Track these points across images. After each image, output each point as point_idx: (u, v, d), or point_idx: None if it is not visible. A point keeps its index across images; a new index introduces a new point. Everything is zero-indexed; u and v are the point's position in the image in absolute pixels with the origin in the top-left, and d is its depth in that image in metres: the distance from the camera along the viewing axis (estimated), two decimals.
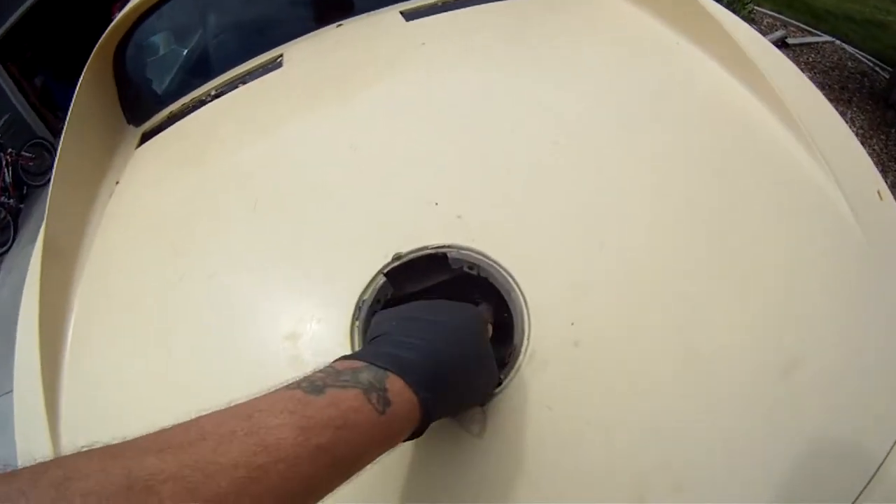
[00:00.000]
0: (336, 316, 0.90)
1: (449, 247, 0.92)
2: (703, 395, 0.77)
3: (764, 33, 5.89)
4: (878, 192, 0.99)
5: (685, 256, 0.89)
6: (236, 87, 1.81)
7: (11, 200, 8.54)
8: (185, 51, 2.41)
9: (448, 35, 1.60)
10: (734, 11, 5.17)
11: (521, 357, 0.82)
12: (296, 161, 1.29)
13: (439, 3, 1.80)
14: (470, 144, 1.13)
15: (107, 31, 2.00)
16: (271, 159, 1.35)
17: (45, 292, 1.30)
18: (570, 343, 0.81)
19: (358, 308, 0.89)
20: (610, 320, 0.84)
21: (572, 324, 0.83)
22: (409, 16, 1.74)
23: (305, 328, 0.92)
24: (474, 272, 0.90)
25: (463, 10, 1.70)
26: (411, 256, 0.92)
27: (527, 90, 1.26)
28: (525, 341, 0.83)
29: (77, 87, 1.83)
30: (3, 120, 10.02)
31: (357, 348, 0.85)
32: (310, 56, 1.80)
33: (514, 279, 0.87)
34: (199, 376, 0.98)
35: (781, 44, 6.01)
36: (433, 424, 0.65)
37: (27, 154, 9.04)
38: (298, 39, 1.94)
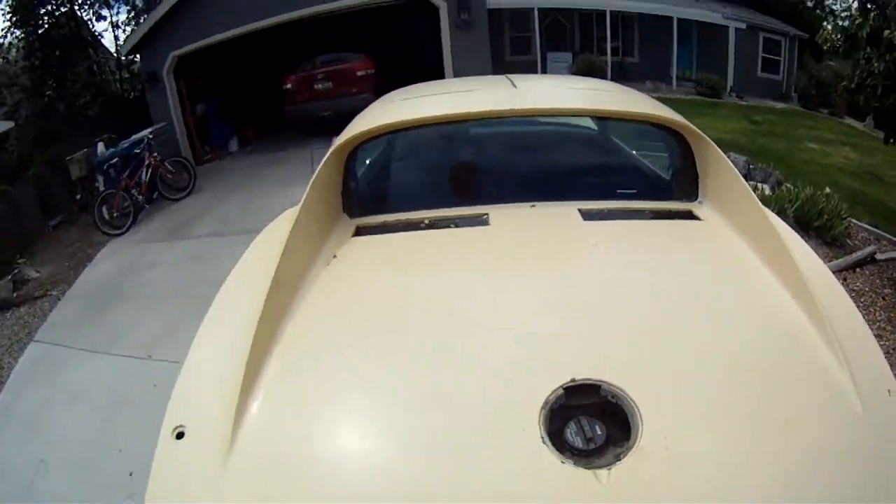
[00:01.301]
0: (529, 411, 1.29)
1: (602, 381, 1.34)
2: None
3: (856, 248, 6.18)
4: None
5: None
6: (449, 226, 2.24)
7: (141, 197, 9.42)
8: (392, 170, 2.99)
9: (612, 241, 2.12)
10: (831, 226, 5.78)
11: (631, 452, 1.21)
12: (493, 304, 1.73)
13: (605, 211, 2.30)
14: (618, 320, 1.64)
15: (348, 136, 2.44)
16: (472, 297, 1.79)
17: (264, 320, 1.59)
18: (662, 448, 1.22)
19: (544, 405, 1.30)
20: (696, 442, 1.25)
21: (666, 441, 1.23)
22: (586, 216, 2.19)
23: (503, 419, 1.32)
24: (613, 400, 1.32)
25: (623, 222, 2.24)
26: (581, 381, 1.33)
27: (658, 288, 1.81)
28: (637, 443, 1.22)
29: (318, 169, 2.35)
30: (159, 126, 11.18)
31: (543, 434, 1.24)
32: (512, 226, 2.23)
33: (638, 409, 1.28)
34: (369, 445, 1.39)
35: (870, 259, 5.98)
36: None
37: (169, 166, 9.99)
38: (500, 206, 2.34)
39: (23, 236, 10.32)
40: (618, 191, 2.59)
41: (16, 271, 8.66)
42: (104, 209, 9.07)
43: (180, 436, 1.40)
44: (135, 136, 10.17)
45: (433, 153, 3.15)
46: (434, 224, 2.26)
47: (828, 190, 6.70)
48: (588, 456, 1.20)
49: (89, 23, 14.65)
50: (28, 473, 4.32)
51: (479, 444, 1.27)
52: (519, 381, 1.40)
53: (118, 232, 9.02)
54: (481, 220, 2.23)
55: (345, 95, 11.51)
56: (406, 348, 1.59)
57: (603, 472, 1.16)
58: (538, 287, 1.84)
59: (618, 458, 1.19)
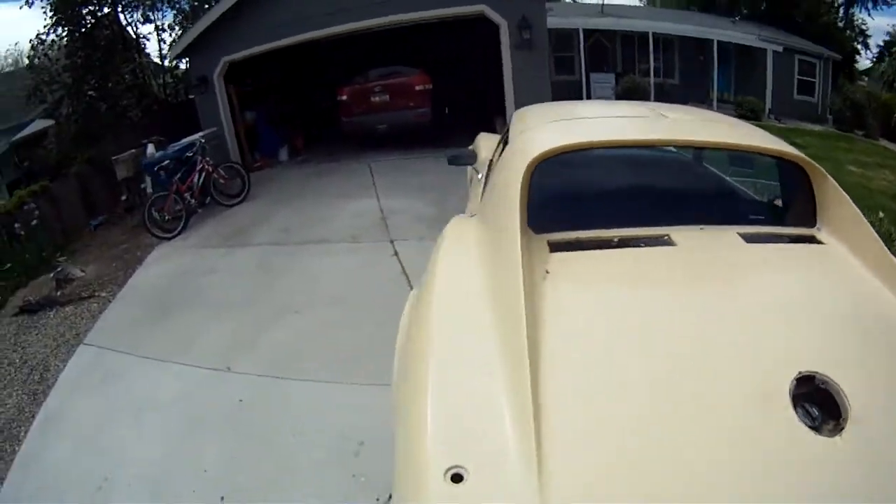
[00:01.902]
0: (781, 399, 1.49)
1: (817, 373, 1.54)
2: None
3: None
4: None
5: None
6: (639, 245, 2.30)
7: (193, 201, 9.10)
8: (565, 188, 2.95)
9: (776, 260, 2.29)
10: None
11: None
12: (718, 317, 1.86)
13: (758, 234, 2.41)
14: (817, 324, 1.86)
15: (540, 152, 2.46)
16: (698, 311, 1.91)
17: (522, 346, 1.60)
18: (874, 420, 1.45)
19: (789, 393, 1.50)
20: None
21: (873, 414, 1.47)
22: (746, 238, 2.31)
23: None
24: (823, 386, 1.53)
25: (773, 245, 2.39)
26: (809, 373, 1.55)
27: (830, 298, 2.05)
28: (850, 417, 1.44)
29: (507, 183, 2.45)
30: (210, 131, 10.87)
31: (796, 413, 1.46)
32: (694, 246, 2.31)
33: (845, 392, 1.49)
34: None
35: None
36: None
37: (223, 171, 9.68)
38: (674, 228, 2.39)
39: (65, 234, 10.09)
40: (750, 216, 2.89)
41: (59, 269, 8.34)
42: (154, 211, 8.79)
43: (457, 478, 1.33)
44: (186, 140, 9.93)
45: (601, 173, 3.30)
46: (624, 242, 2.33)
47: (881, 214, 6.59)
48: (819, 429, 1.44)
49: (134, 26, 14.63)
50: (88, 492, 3.92)
51: (756, 428, 1.45)
52: (764, 378, 1.57)
53: (169, 235, 8.72)
54: (665, 241, 2.31)
55: (402, 109, 11.28)
56: (664, 361, 1.67)
57: (837, 439, 1.41)
58: (744, 301, 2.00)
59: (840, 429, 1.43)
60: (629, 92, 16.06)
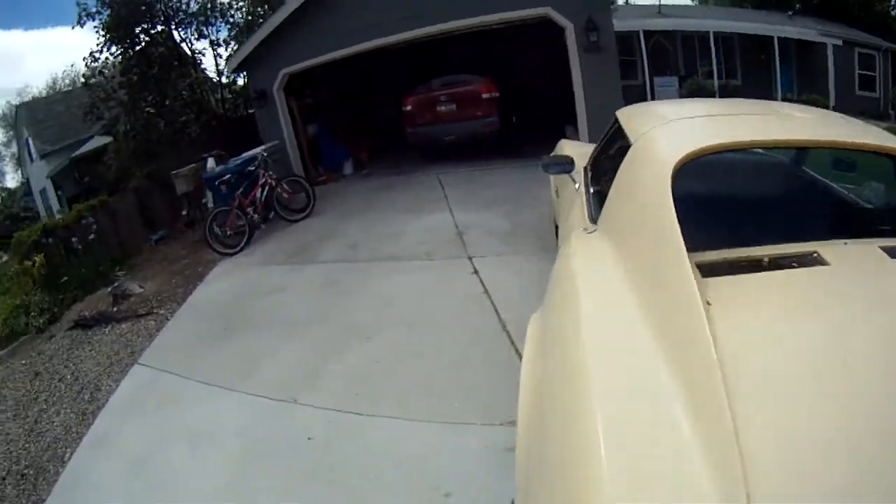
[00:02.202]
0: None
1: None
2: None
3: None
4: None
5: None
6: (792, 265, 2.01)
7: (256, 216, 8.68)
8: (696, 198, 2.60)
9: None
10: None
11: None
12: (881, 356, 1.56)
13: None
14: None
15: (681, 156, 2.22)
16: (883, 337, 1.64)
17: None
18: None
19: None
20: None
21: None
22: (890, 253, 2.00)
23: None
24: None
25: None
26: None
27: None
28: None
29: (640, 192, 2.40)
30: (271, 144, 10.51)
31: None
32: (847, 265, 2.02)
33: None
34: None
35: None
36: None
37: (286, 186, 9.25)
38: (820, 243, 2.11)
39: (123, 249, 9.99)
40: (879, 227, 2.57)
41: (116, 284, 8.08)
42: (216, 226, 8.41)
43: None
44: (247, 154, 9.56)
45: (731, 180, 3.09)
46: (775, 263, 2.07)
47: None
48: None
49: (188, 42, 14.49)
50: None
51: None
52: None
53: (231, 251, 8.34)
54: (816, 260, 2.04)
55: (469, 119, 10.71)
56: (867, 406, 1.41)
57: None
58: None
59: None
60: (694, 95, 15.05)
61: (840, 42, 16.97)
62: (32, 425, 5.26)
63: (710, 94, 15.68)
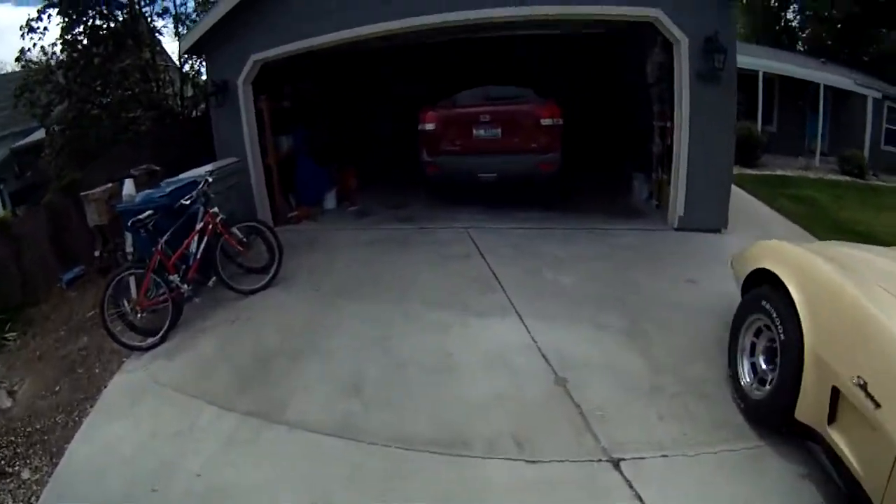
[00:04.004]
0: None
1: None
2: None
3: None
4: None
5: None
6: None
7: (185, 286, 5.15)
8: None
9: None
10: None
11: None
12: None
13: None
14: None
15: None
16: None
17: None
18: None
19: None
20: None
21: None
22: None
23: None
24: None
25: None
26: None
27: None
28: None
29: None
30: (225, 164, 6.95)
31: None
32: None
33: None
34: None
35: None
36: None
37: (238, 232, 5.64)
38: None
39: (25, 288, 7.42)
40: None
41: None
42: (122, 300, 5.03)
43: None
44: (186, 175, 6.20)
45: None
46: None
47: None
48: None
49: (147, 16, 10.72)
50: None
51: None
52: None
53: (143, 344, 4.92)
54: None
55: (520, 151, 7.30)
56: None
57: None
58: None
59: None
60: (743, 141, 11.96)
61: (880, 95, 15.50)
62: None
63: (759, 142, 14.11)
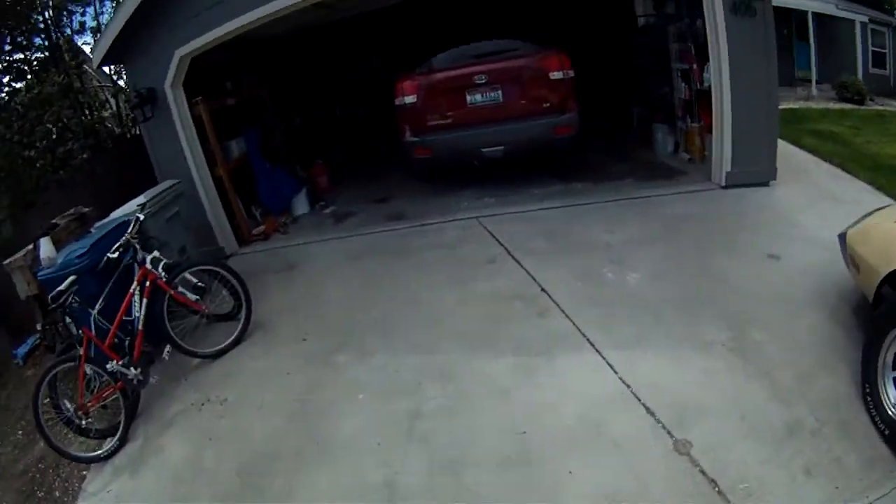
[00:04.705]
0: None
1: None
2: None
3: None
4: None
5: None
6: None
7: (132, 369, 3.83)
8: None
9: None
10: None
11: None
12: None
13: None
14: None
15: None
16: None
17: None
18: None
19: None
20: None
21: None
22: None
23: None
24: None
25: None
26: None
27: None
28: None
29: None
30: (165, 188, 5.61)
31: None
32: None
33: None
34: None
35: None
36: None
37: (191, 277, 4.33)
38: None
39: None
40: None
41: None
42: (63, 398, 3.83)
43: None
44: (117, 214, 4.92)
45: None
46: None
47: None
48: None
49: (63, 33, 9.24)
50: None
51: None
52: None
53: (100, 453, 3.71)
54: None
55: (530, 116, 5.99)
56: None
57: None
58: None
59: None
60: None
61: (867, 19, 15.38)
62: None
63: None
